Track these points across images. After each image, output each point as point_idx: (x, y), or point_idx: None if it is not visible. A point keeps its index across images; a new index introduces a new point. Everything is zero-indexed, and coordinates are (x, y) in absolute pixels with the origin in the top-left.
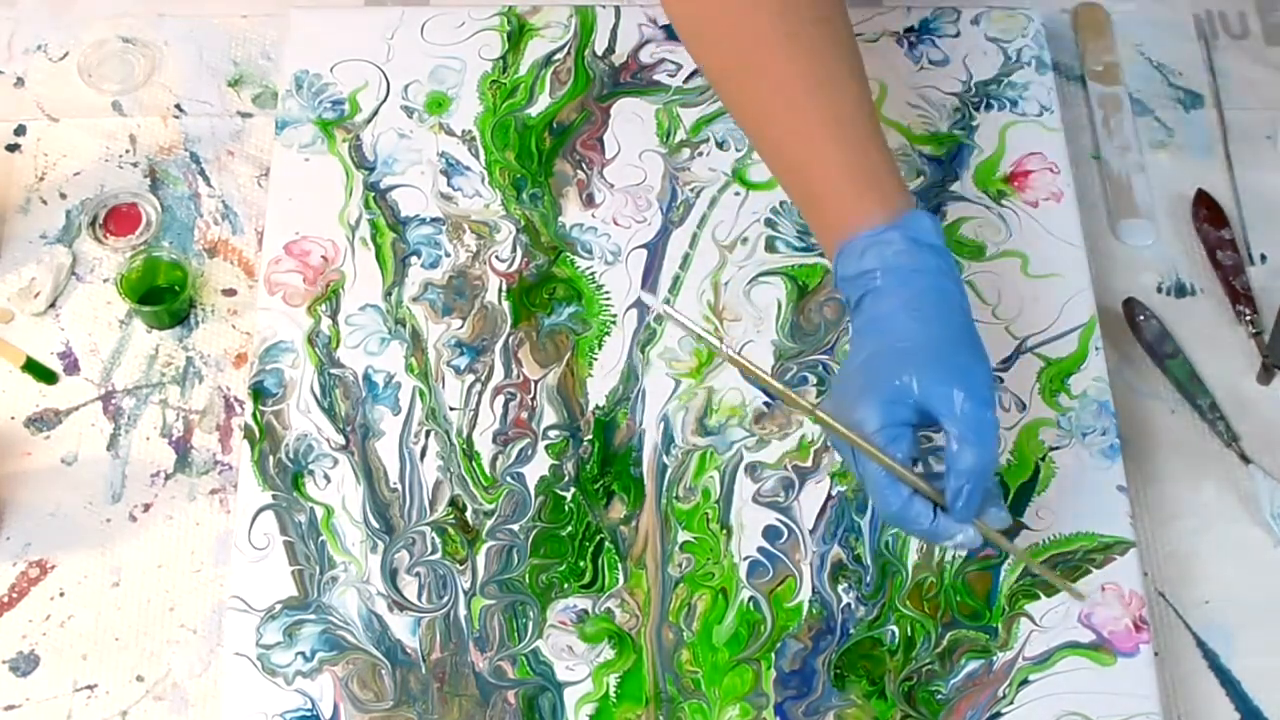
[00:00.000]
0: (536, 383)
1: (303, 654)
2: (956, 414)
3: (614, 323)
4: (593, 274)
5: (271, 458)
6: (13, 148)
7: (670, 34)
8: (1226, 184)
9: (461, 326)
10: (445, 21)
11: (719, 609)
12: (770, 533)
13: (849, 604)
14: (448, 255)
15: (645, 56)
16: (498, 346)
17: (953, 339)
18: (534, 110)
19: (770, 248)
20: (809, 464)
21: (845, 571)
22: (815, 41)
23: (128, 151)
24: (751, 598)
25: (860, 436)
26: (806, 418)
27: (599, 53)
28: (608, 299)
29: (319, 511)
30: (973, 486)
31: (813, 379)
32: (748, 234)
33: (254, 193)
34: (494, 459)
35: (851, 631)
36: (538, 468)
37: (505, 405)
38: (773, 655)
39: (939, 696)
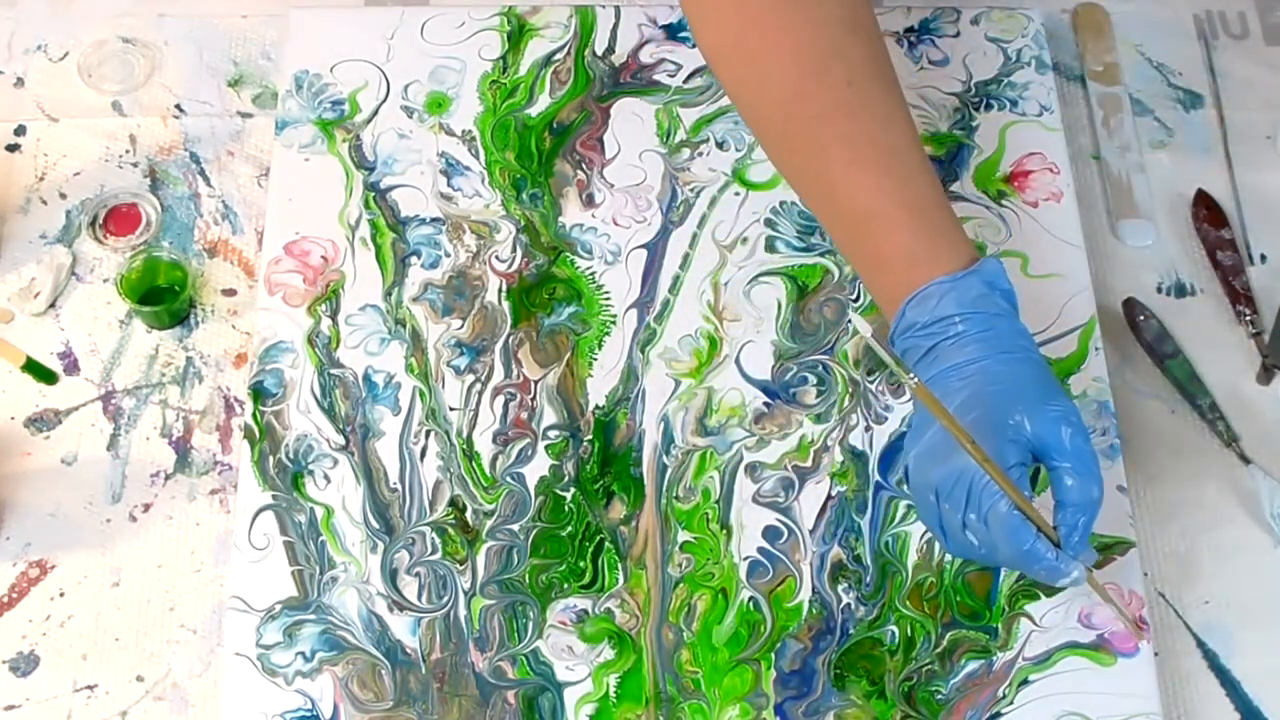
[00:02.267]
0: (536, 383)
1: (303, 654)
2: (1067, 449)
3: (614, 323)
4: (593, 274)
5: (271, 458)
6: (13, 148)
7: (670, 34)
8: (1226, 184)
9: (461, 326)
10: (445, 21)
11: (719, 609)
12: (770, 533)
13: (849, 604)
14: (448, 255)
15: (645, 56)
16: (498, 347)
17: (1043, 379)
18: (534, 110)
19: (770, 248)
20: (809, 464)
21: (845, 571)
22: (871, 86)
23: (128, 151)
24: (751, 598)
25: (997, 477)
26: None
27: (599, 53)
28: (608, 299)
29: (319, 512)
30: (1087, 520)
31: (812, 379)
32: (748, 234)
33: (254, 193)
34: (494, 459)
35: (851, 631)
36: (538, 468)
37: (505, 405)
38: (773, 655)
39: (939, 696)
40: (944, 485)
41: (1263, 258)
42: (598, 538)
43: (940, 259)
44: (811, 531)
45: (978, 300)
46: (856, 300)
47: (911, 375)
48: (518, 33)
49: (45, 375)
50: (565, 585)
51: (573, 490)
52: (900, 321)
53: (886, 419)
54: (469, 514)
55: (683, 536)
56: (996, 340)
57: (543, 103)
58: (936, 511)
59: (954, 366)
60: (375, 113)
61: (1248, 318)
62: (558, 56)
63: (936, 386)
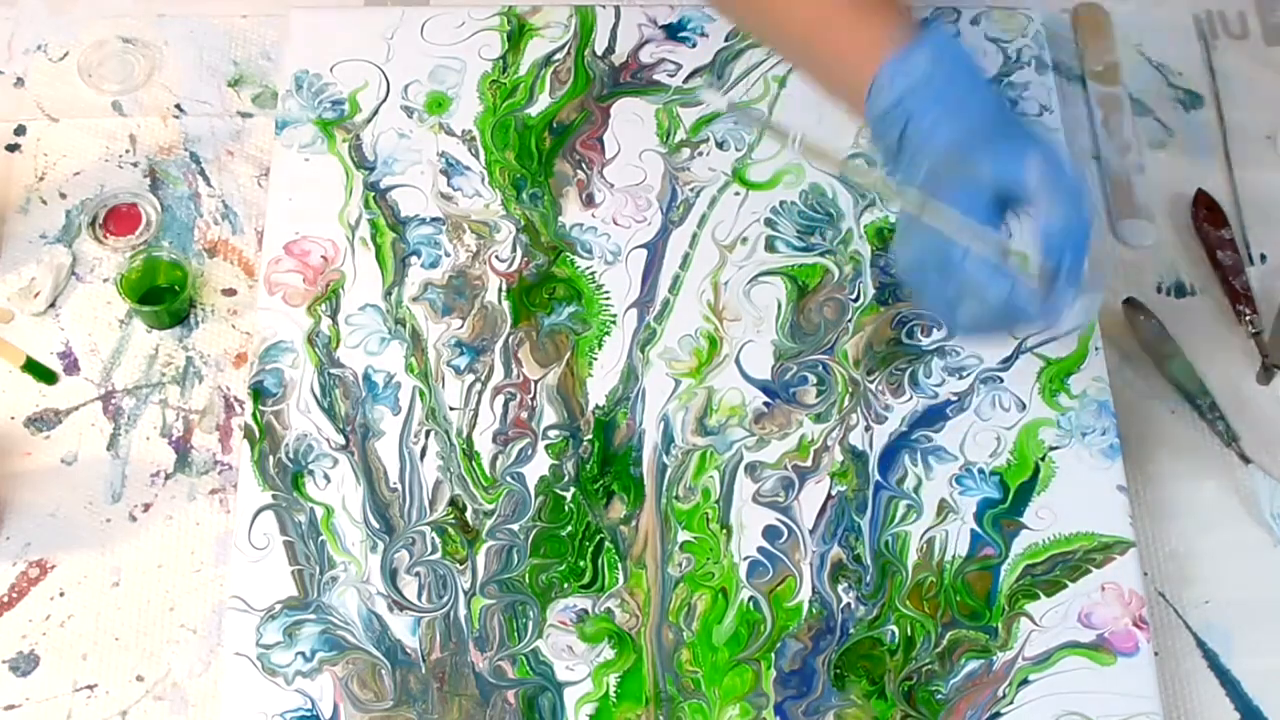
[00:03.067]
0: (536, 382)
1: (303, 654)
2: (1036, 177)
3: (614, 322)
4: (593, 274)
5: (271, 458)
6: (13, 148)
7: (670, 34)
8: (1226, 184)
9: (461, 326)
10: (445, 21)
11: (719, 609)
12: (770, 532)
13: (849, 604)
14: (448, 255)
15: (645, 56)
16: (498, 346)
17: (1007, 121)
18: (534, 110)
19: (770, 247)
20: (809, 464)
21: (845, 571)
22: None
23: (128, 151)
24: (751, 598)
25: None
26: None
27: (599, 52)
28: (608, 299)
29: (319, 511)
30: (1075, 245)
31: (812, 379)
32: (747, 234)
33: (254, 193)
34: (494, 459)
35: (851, 631)
36: (538, 467)
37: (505, 405)
38: (773, 655)
39: (939, 696)
40: (921, 269)
41: (1263, 257)
42: (598, 537)
43: (884, 43)
44: (811, 531)
45: (930, 73)
46: (856, 300)
47: (794, 137)
48: (518, 33)
49: (45, 375)
50: (565, 585)
51: (573, 490)
52: (871, 116)
53: (886, 418)
54: (469, 514)
55: (683, 536)
56: (953, 103)
57: (543, 102)
58: (941, 297)
59: (923, 137)
60: (375, 112)
61: (1248, 318)
62: (558, 56)
63: (913, 161)
